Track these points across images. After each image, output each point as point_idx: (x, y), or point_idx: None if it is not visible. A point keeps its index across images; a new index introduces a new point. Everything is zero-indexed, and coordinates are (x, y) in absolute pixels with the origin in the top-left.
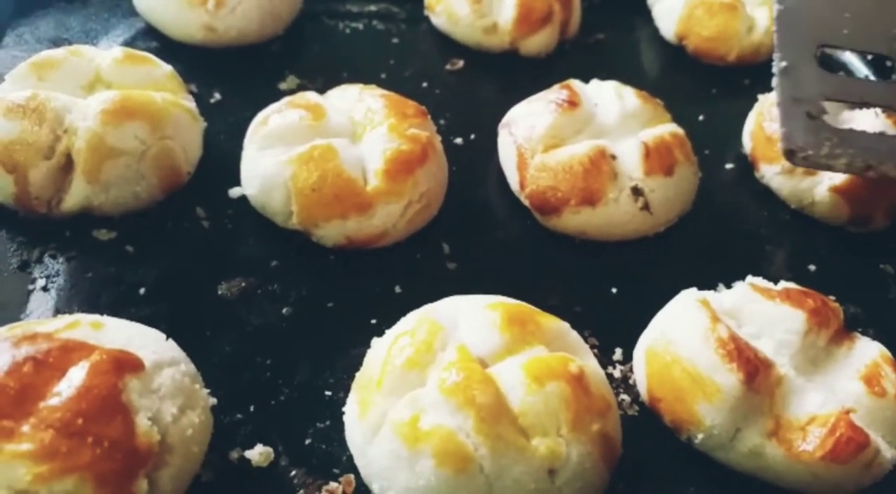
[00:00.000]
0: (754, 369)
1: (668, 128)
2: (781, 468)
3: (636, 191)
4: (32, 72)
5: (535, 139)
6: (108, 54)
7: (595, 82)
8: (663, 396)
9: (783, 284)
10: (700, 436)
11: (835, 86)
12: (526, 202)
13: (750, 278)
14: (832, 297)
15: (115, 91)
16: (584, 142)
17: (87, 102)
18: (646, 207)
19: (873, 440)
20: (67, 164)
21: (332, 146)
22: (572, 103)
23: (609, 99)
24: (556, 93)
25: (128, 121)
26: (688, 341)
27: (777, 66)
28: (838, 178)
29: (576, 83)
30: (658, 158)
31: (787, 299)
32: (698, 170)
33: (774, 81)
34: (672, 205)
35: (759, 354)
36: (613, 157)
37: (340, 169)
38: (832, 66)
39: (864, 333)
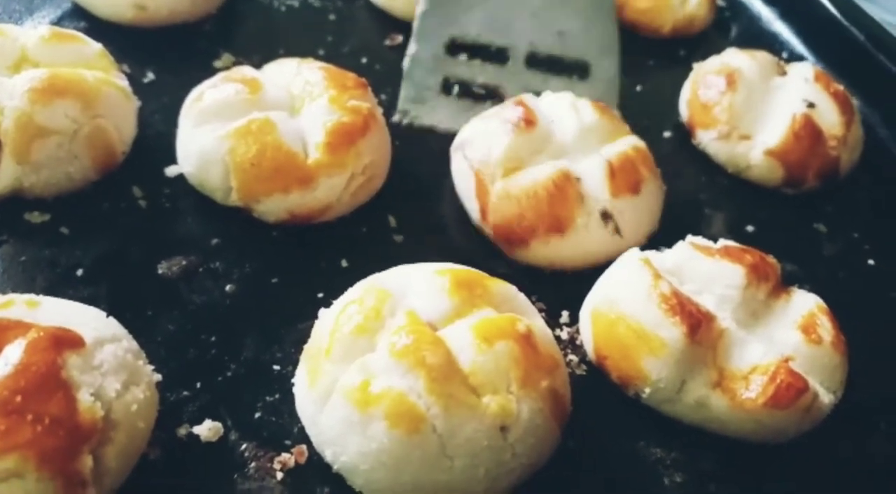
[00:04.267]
0: (697, 322)
1: (629, 143)
2: (726, 417)
3: (605, 216)
4: None
5: (492, 163)
6: (34, 33)
7: (547, 95)
8: (609, 354)
9: (722, 242)
10: (647, 391)
11: (452, 67)
12: (489, 233)
13: (690, 237)
14: (770, 256)
15: (43, 69)
16: (545, 164)
17: (14, 81)
18: (616, 231)
19: (811, 385)
20: None
21: (270, 119)
22: (528, 122)
23: (565, 114)
24: (510, 111)
25: (57, 100)
26: (631, 298)
27: (409, 51)
28: (772, 142)
29: (529, 98)
30: (624, 177)
31: (727, 256)
32: (663, 184)
33: (405, 62)
34: (642, 224)
35: (702, 308)
36: (578, 179)
37: (280, 142)
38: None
39: (800, 288)
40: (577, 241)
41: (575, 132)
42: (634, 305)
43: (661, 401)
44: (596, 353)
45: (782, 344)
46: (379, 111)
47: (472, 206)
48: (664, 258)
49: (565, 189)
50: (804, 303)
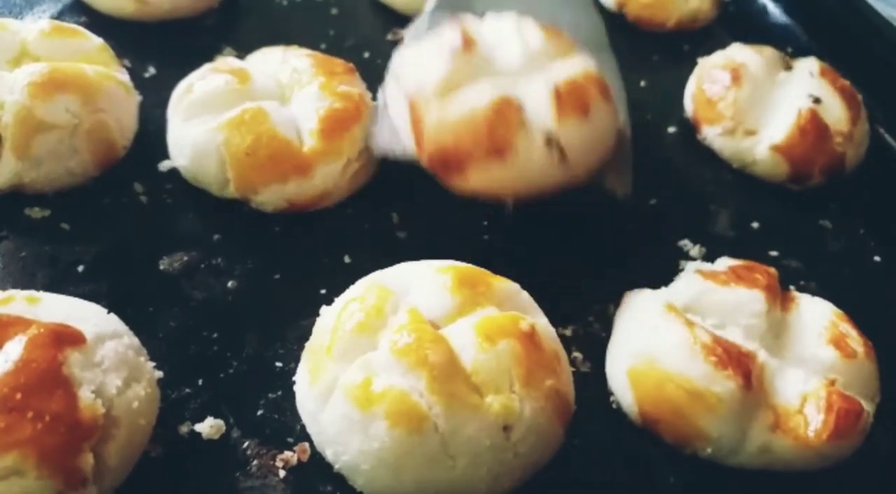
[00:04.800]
0: (748, 369)
1: (579, 67)
2: (791, 457)
3: (549, 141)
4: None
5: (428, 91)
6: (34, 27)
7: (491, 17)
8: (661, 417)
9: (723, 261)
10: (709, 450)
11: None
12: (424, 163)
13: (693, 265)
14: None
15: (43, 63)
16: (486, 89)
17: (14, 75)
18: (562, 157)
19: (861, 403)
20: None
21: (263, 108)
22: (468, 44)
23: (509, 36)
24: (447, 34)
25: (58, 94)
26: (672, 354)
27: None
28: (778, 137)
29: (470, 21)
30: (571, 100)
31: (740, 280)
32: (616, 111)
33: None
34: (589, 150)
35: (743, 349)
36: (520, 105)
37: (274, 131)
38: None
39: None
40: (518, 167)
41: (520, 56)
42: (678, 362)
43: (724, 456)
44: (643, 417)
45: (818, 363)
46: (369, 96)
47: (406, 136)
48: (678, 294)
49: (506, 114)
50: (817, 311)
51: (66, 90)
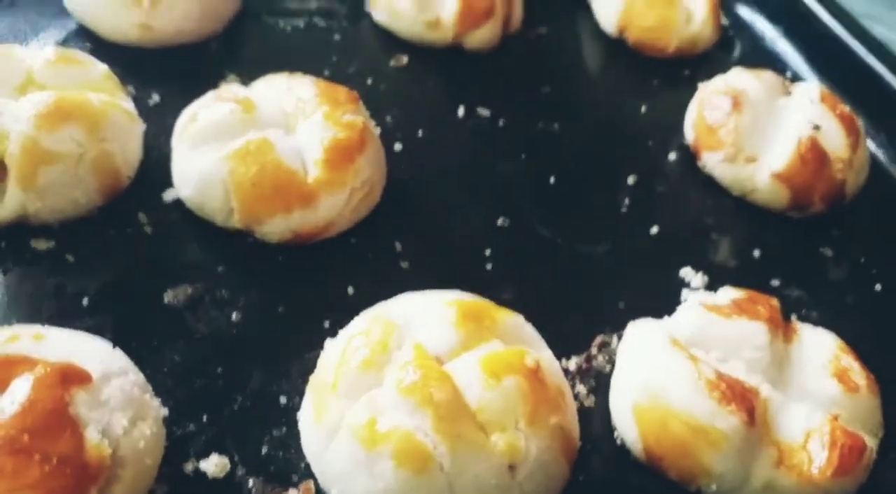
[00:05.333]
0: (751, 405)
1: None
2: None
3: None
4: None
5: None
6: (39, 55)
7: None
8: (665, 454)
9: (725, 291)
10: (713, 486)
11: None
12: None
13: (697, 298)
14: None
15: (49, 92)
16: None
17: (20, 105)
18: None
19: (865, 439)
20: (0, 171)
21: (268, 139)
22: None
23: None
24: None
25: (63, 124)
26: (676, 390)
27: None
28: (778, 165)
29: None
30: None
31: (742, 312)
32: None
33: None
34: None
35: (746, 385)
36: None
37: (279, 161)
38: None
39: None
40: None
41: None
42: (682, 397)
43: (727, 493)
44: (647, 454)
45: (821, 396)
46: (371, 123)
47: None
48: (680, 326)
49: None
50: (820, 343)
51: (71, 120)
